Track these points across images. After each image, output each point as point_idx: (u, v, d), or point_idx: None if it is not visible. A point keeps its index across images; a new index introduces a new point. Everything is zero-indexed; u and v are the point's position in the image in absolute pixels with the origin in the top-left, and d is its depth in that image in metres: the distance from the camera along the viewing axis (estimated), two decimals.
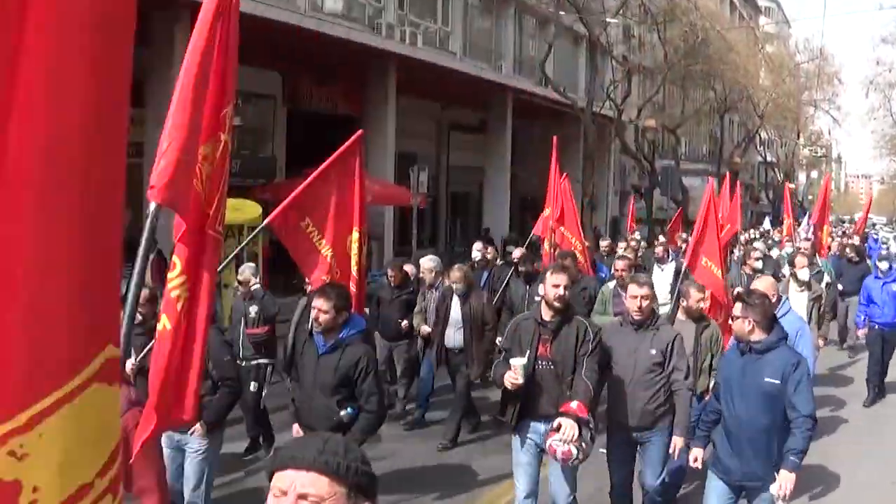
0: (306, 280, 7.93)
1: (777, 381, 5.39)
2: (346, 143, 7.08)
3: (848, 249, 17.60)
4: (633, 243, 18.88)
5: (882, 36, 39.13)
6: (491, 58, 29.42)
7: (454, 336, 9.96)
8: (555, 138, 13.73)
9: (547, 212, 13.48)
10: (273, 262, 19.13)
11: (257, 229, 7.32)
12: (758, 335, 5.60)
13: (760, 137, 54.79)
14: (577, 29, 32.53)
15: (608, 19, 30.89)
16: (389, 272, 11.31)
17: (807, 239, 15.59)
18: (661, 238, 19.95)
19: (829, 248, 21.20)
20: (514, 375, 5.89)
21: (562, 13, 30.52)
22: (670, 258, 14.07)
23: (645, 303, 6.48)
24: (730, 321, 6.52)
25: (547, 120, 30.65)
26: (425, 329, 10.65)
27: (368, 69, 22.93)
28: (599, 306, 9.98)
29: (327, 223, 6.90)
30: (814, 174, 78.48)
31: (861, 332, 13.06)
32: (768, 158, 60.28)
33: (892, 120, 45.79)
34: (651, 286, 6.63)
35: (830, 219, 54.44)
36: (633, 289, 6.60)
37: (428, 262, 11.15)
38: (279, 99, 22.95)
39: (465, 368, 9.88)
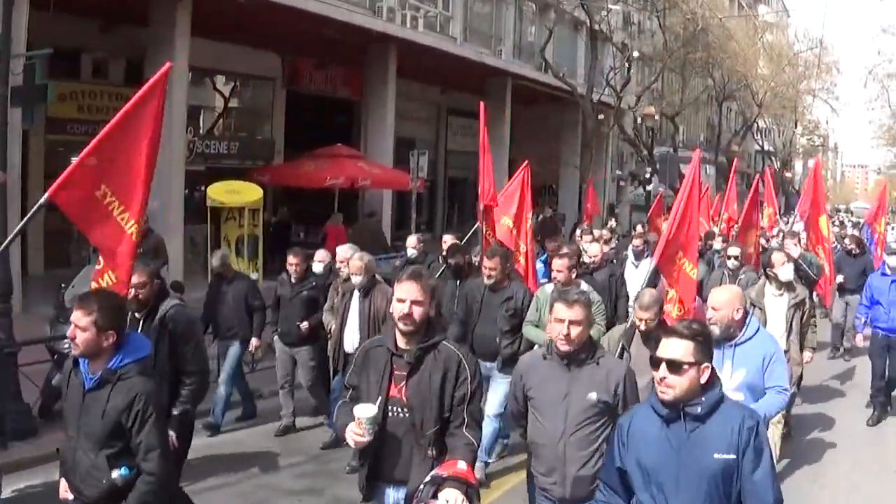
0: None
1: (732, 456, 3.77)
2: (152, 79, 5.78)
3: (847, 241, 15.58)
4: (604, 233, 16.55)
5: (882, 26, 39.04)
6: (491, 43, 29.36)
7: (353, 339, 8.39)
8: (482, 104, 10.87)
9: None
10: (272, 246, 19.15)
11: (37, 205, 5.58)
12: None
13: (758, 126, 54.75)
14: (578, 15, 32.47)
15: (610, 6, 30.81)
16: (291, 260, 9.62)
17: (792, 232, 13.44)
18: (640, 228, 16.78)
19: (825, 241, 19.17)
20: (357, 431, 4.22)
21: None
22: (647, 254, 12.08)
23: (575, 330, 4.79)
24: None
25: (546, 106, 30.61)
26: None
27: (368, 52, 22.88)
28: (533, 313, 8.12)
29: (127, 189, 5.53)
30: (811, 163, 78.45)
31: (861, 338, 11.31)
32: (766, 147, 60.27)
33: (890, 111, 45.70)
34: (586, 305, 4.87)
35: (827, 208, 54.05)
36: (559, 310, 4.85)
37: (345, 250, 9.39)
38: (278, 81, 22.94)
39: None
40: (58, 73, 15.56)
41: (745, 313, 6.03)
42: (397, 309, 4.37)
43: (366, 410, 4.20)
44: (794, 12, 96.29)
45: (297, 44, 21.16)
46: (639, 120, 37.04)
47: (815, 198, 14.50)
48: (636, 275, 11.47)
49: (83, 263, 15.80)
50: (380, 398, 4.34)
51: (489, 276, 8.32)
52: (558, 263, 8.06)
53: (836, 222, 37.30)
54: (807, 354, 8.98)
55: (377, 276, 8.81)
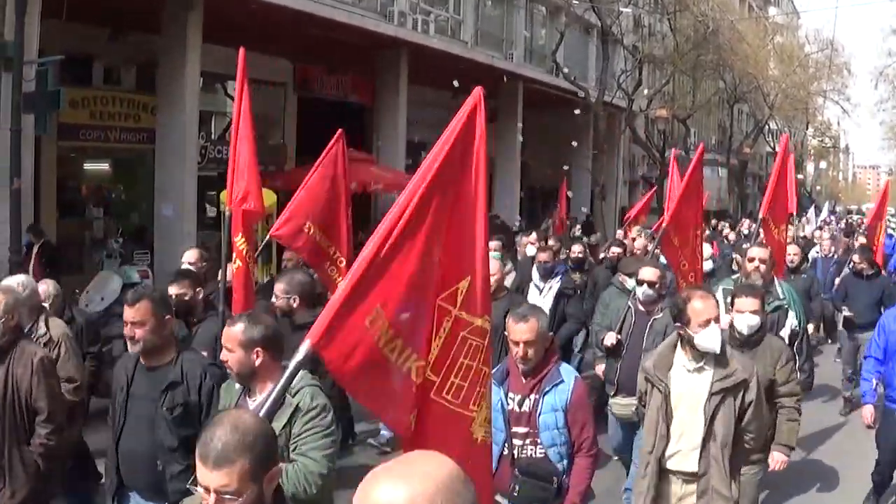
0: None
1: None
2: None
3: (857, 258, 11.45)
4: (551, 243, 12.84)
5: (893, 27, 38.79)
6: (502, 46, 29.29)
7: None
8: (241, 49, 7.70)
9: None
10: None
11: None
12: None
13: (769, 128, 54.56)
14: (588, 18, 32.39)
15: (621, 9, 30.72)
16: None
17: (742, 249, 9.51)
18: (529, 241, 13.96)
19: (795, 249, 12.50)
20: None
21: (574, 2, 30.39)
22: (557, 273, 9.21)
23: None
24: None
25: (558, 109, 30.51)
26: None
27: (380, 57, 22.85)
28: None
29: None
30: (822, 165, 78.28)
31: (869, 412, 7.25)
32: (777, 149, 60.11)
33: None
34: None
35: (828, 209, 52.51)
36: None
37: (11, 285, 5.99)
38: (290, 86, 22.92)
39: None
40: (69, 80, 15.56)
41: None
42: None
43: None
44: (804, 14, 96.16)
45: (309, 49, 21.12)
46: (650, 122, 36.99)
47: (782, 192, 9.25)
48: (540, 303, 8.54)
49: (96, 269, 15.81)
50: None
51: (133, 339, 4.64)
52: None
53: (843, 225, 37.01)
54: (777, 455, 5.76)
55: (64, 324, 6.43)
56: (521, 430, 4.72)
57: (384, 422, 3.75)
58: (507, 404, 4.72)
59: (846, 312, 10.77)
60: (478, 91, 3.56)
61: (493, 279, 6.61)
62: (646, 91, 35.40)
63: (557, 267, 9.31)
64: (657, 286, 6.96)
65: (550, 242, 12.57)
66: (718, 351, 4.78)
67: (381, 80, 23.52)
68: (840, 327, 11.50)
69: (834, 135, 76.55)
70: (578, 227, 22.70)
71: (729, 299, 6.07)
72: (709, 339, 4.74)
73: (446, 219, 3.35)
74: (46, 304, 6.69)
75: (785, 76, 45.80)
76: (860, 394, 7.81)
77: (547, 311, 7.96)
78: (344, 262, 7.50)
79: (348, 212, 8.03)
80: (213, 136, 21.60)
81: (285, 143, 23.06)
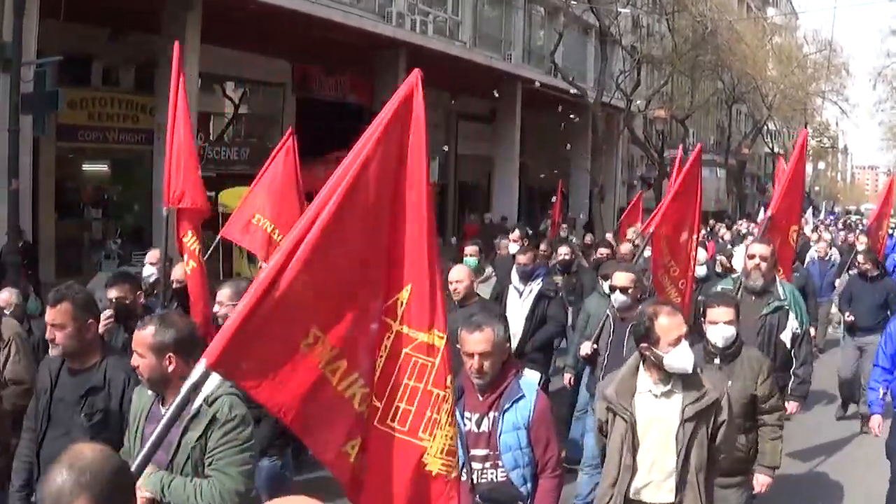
0: None
1: None
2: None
3: (861, 258, 11.02)
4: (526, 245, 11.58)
5: (891, 28, 38.78)
6: (500, 47, 29.29)
7: None
8: (175, 46, 7.38)
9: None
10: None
11: None
12: None
13: (768, 128, 54.55)
14: (587, 18, 32.41)
15: (619, 9, 30.73)
16: None
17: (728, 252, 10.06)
18: (512, 238, 13.49)
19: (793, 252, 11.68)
20: None
21: (573, 2, 30.41)
22: (537, 275, 8.64)
23: None
24: None
25: (556, 110, 30.54)
26: None
27: (378, 58, 22.85)
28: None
29: None
30: (821, 165, 78.23)
31: (877, 423, 6.79)
32: (775, 149, 60.08)
33: None
34: None
35: (826, 209, 52.09)
36: None
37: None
38: (288, 87, 22.94)
39: None
40: (68, 81, 15.55)
41: None
42: None
43: None
44: (802, 14, 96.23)
45: (307, 50, 21.13)
46: (649, 123, 37.01)
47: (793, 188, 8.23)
48: (520, 305, 8.39)
49: (95, 271, 15.80)
50: None
51: (53, 341, 4.47)
52: None
53: (840, 225, 36.97)
54: (761, 478, 5.39)
55: None
56: (481, 452, 4.29)
57: (315, 453, 3.03)
58: (464, 425, 4.23)
59: (849, 318, 10.42)
60: (415, 74, 3.17)
61: (462, 286, 6.97)
62: (644, 92, 35.43)
63: (538, 269, 8.86)
64: (630, 291, 6.61)
65: (542, 247, 12.28)
66: (690, 371, 4.30)
67: (379, 80, 23.49)
68: (843, 332, 11.22)
69: (832, 135, 76.48)
70: (564, 226, 22.45)
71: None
72: (680, 359, 4.24)
73: (381, 219, 3.00)
74: (7, 313, 6.49)
75: (783, 77, 45.78)
76: (866, 401, 7.49)
77: (526, 314, 7.86)
78: None
79: (304, 210, 7.82)
80: (211, 137, 21.62)
81: None
